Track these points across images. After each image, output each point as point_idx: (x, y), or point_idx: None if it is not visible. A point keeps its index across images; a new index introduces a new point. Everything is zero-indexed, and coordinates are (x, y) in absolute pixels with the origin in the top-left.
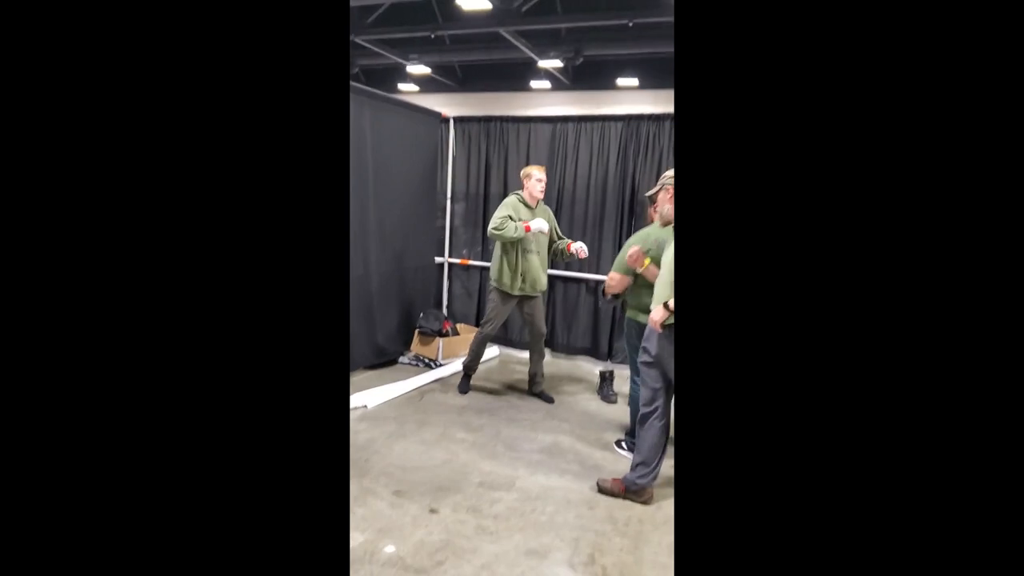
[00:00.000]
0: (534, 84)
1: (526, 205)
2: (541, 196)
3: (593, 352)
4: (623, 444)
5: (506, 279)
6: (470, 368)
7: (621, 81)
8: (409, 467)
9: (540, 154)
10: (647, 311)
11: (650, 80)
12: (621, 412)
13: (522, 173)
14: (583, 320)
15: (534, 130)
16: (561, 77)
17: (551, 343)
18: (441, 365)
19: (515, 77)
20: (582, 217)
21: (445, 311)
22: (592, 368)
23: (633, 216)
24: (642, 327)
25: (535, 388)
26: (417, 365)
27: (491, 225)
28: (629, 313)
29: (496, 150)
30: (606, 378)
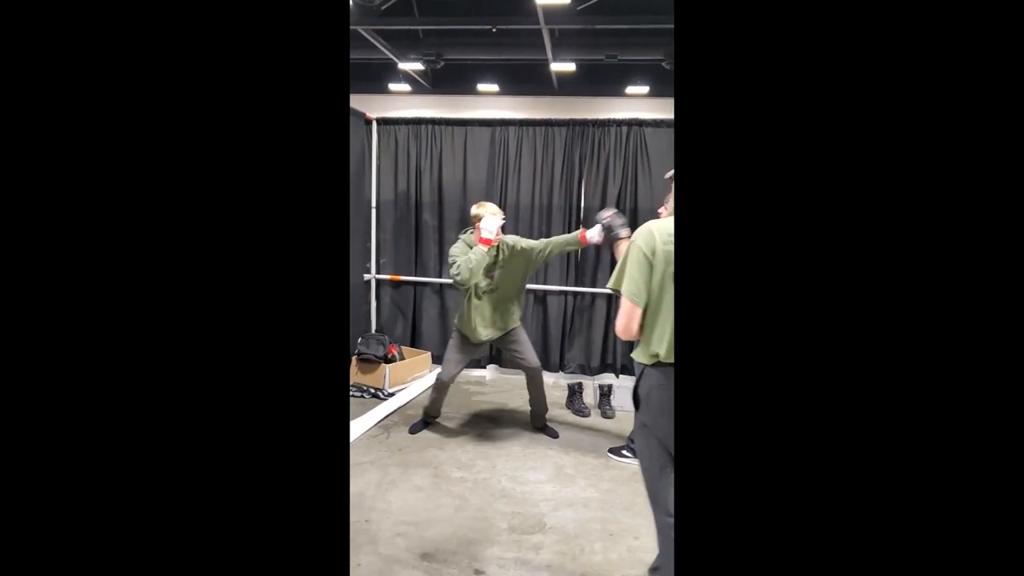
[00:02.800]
0: (392, 87)
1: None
2: (497, 240)
3: (544, 365)
4: (623, 452)
5: (465, 325)
6: (431, 415)
7: (482, 86)
8: (421, 521)
9: (479, 160)
10: None
11: (511, 86)
12: (601, 422)
13: (475, 213)
14: (531, 333)
15: (471, 134)
16: (422, 80)
17: (499, 360)
18: (391, 394)
19: (371, 79)
20: (527, 229)
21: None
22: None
23: (581, 225)
24: None
25: (538, 422)
26: (362, 396)
27: (454, 273)
28: None
29: (428, 155)
30: (575, 391)
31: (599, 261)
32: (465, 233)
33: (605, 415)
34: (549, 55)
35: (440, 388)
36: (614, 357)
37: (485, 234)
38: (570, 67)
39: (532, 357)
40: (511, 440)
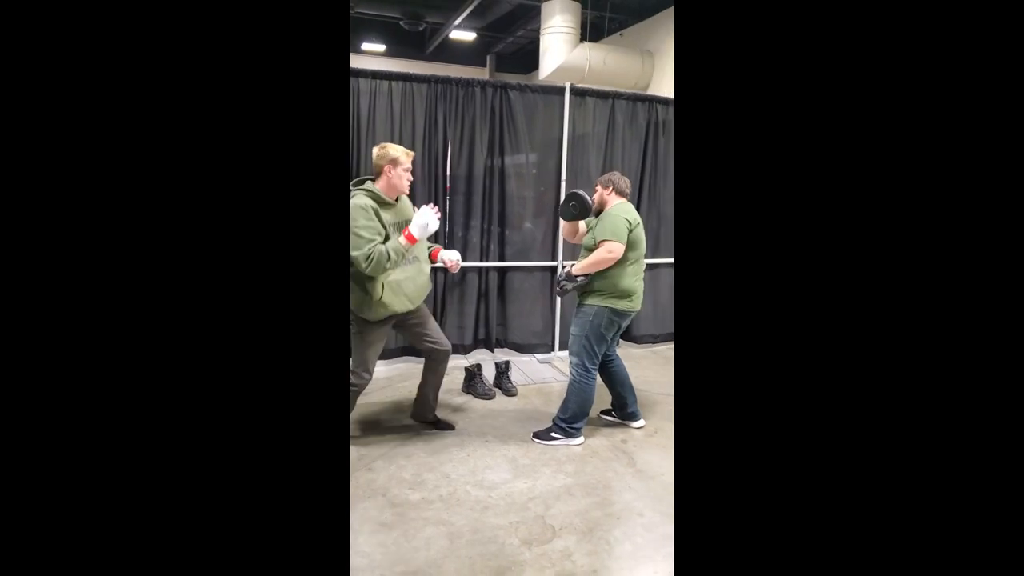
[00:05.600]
0: None
1: (382, 202)
2: (407, 190)
3: (415, 350)
4: (552, 435)
5: (387, 305)
6: None
7: None
8: (425, 566)
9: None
10: (624, 296)
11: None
12: (509, 401)
13: (379, 155)
14: None
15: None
16: None
17: None
18: None
19: None
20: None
21: None
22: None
23: (448, 195)
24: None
25: (429, 416)
26: None
27: (361, 261)
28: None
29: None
30: (475, 373)
31: (467, 231)
32: (363, 186)
33: (508, 393)
34: None
35: (353, 397)
36: (487, 332)
37: (417, 232)
38: None
39: (442, 335)
40: (439, 440)
